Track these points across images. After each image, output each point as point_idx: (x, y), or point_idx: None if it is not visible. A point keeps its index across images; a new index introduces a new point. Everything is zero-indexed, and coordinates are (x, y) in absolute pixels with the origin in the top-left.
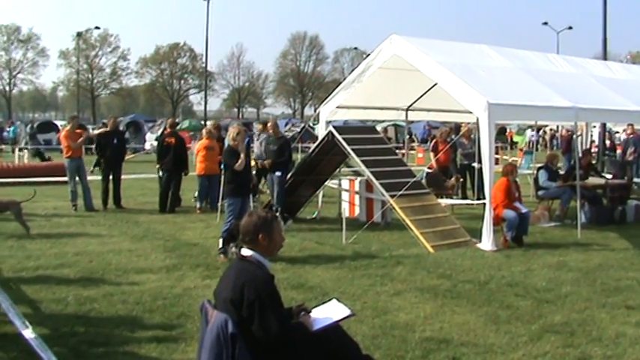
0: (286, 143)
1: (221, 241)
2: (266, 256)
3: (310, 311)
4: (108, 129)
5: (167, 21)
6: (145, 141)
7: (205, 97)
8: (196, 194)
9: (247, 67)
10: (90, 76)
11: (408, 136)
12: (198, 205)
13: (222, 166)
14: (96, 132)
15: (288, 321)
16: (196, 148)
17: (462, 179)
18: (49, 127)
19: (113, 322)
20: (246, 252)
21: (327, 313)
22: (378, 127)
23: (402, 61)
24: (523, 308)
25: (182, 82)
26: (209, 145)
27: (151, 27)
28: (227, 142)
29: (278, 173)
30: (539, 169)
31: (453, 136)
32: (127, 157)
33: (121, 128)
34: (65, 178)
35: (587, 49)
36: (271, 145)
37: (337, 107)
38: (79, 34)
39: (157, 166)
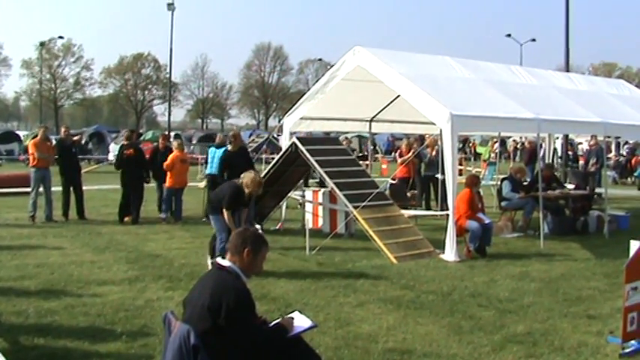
0: (248, 154)
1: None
2: (247, 275)
3: (292, 317)
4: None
5: (131, 31)
6: (108, 152)
7: (169, 107)
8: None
9: (211, 77)
10: (53, 86)
11: (372, 147)
12: (163, 216)
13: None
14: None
15: (266, 328)
16: (167, 162)
17: (421, 192)
18: (10, 137)
19: (74, 335)
20: (224, 262)
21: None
22: (342, 138)
23: (366, 73)
24: (486, 318)
25: (146, 92)
26: (182, 158)
27: (115, 37)
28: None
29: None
30: (502, 180)
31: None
32: (89, 168)
33: (84, 139)
34: (28, 189)
35: (550, 61)
36: (237, 159)
37: (301, 118)
38: (42, 44)
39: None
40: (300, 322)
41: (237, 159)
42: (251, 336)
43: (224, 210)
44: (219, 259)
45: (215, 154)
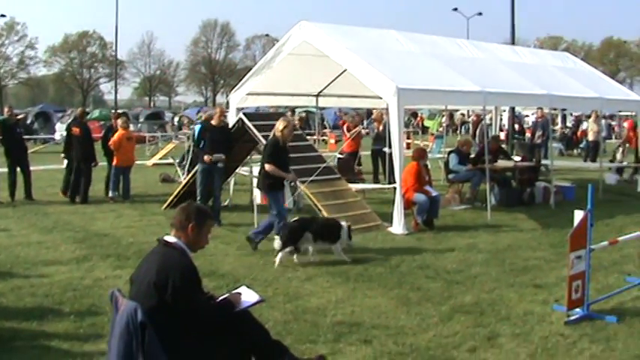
0: (230, 132)
1: (278, 241)
2: (192, 249)
3: (239, 292)
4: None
5: (76, 9)
6: (54, 131)
7: (115, 86)
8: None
9: (158, 55)
10: None
11: (319, 122)
12: (110, 195)
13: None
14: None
15: (213, 303)
16: (113, 139)
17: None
18: None
19: (22, 316)
20: (170, 238)
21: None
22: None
23: (312, 47)
24: (434, 290)
25: (92, 71)
26: (127, 136)
27: (60, 15)
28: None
29: (221, 165)
30: (449, 153)
31: (364, 122)
32: (36, 148)
33: (29, 119)
34: None
35: (496, 35)
36: (216, 134)
37: (247, 94)
38: None
39: (62, 155)
40: (248, 296)
41: (217, 134)
42: (198, 312)
43: (266, 164)
44: (166, 237)
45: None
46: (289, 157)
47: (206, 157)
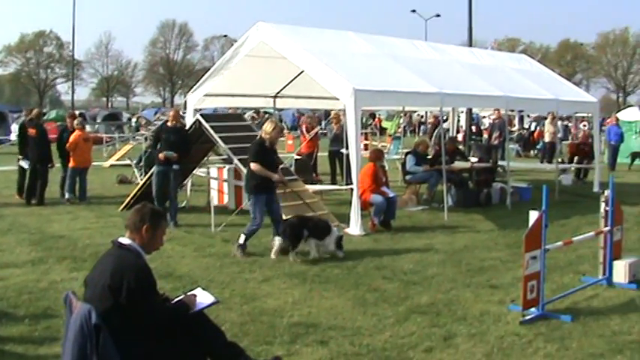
0: (187, 134)
1: (243, 237)
2: (146, 251)
3: (194, 294)
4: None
5: (32, 8)
6: (10, 132)
7: (73, 86)
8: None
9: (116, 55)
10: None
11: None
12: (67, 197)
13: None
14: None
15: (168, 305)
16: (70, 141)
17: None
18: None
19: None
20: (124, 240)
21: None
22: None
23: (270, 49)
24: (390, 290)
25: (49, 71)
26: (84, 137)
27: (16, 14)
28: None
29: (176, 166)
30: (406, 154)
31: (322, 123)
32: None
33: None
34: None
35: (455, 37)
36: (171, 135)
37: (205, 95)
38: None
39: (19, 157)
40: (203, 298)
41: (172, 135)
42: (152, 314)
43: (252, 163)
44: (121, 238)
45: None
46: (277, 159)
47: (160, 155)
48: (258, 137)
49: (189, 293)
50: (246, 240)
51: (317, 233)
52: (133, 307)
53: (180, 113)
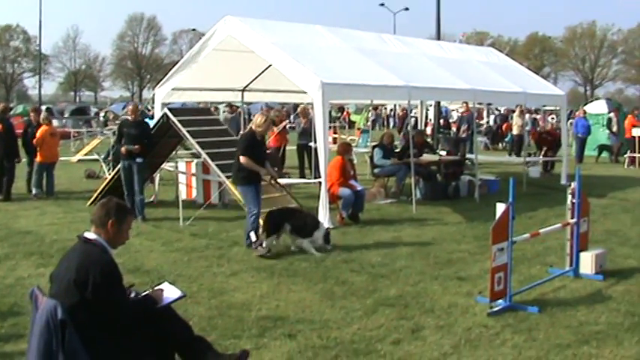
0: (148, 127)
1: (252, 234)
2: (112, 245)
3: (161, 288)
4: None
5: None
6: None
7: (40, 80)
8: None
9: (84, 49)
10: None
11: (247, 117)
12: (34, 192)
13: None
14: None
15: (135, 300)
16: (37, 136)
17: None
18: None
19: None
20: (90, 235)
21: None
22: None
23: (238, 43)
24: (358, 284)
25: (15, 65)
26: (51, 132)
27: None
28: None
29: (139, 159)
30: (374, 147)
31: (291, 117)
32: None
33: None
34: None
35: (423, 30)
36: (132, 129)
37: (173, 89)
38: None
39: None
40: (170, 292)
41: (133, 129)
42: (118, 309)
43: (241, 157)
44: (86, 233)
45: None
46: (265, 152)
47: (122, 149)
48: (248, 130)
49: (155, 288)
50: (256, 234)
51: (306, 228)
52: (99, 302)
53: (139, 107)
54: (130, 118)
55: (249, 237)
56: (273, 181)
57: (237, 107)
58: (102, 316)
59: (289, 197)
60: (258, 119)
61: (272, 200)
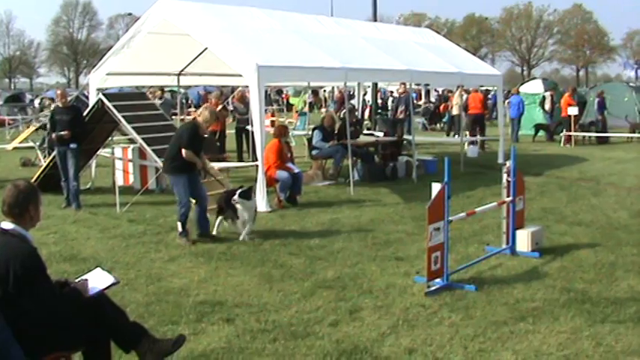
0: (80, 112)
1: (179, 225)
2: (28, 229)
3: (86, 279)
4: None
5: None
6: None
7: None
8: None
9: (18, 35)
10: None
11: (184, 102)
12: None
13: None
14: None
15: (60, 290)
16: None
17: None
18: None
19: None
20: (7, 225)
21: (93, 281)
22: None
23: (173, 26)
24: (296, 266)
25: None
26: None
27: None
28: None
29: (73, 145)
30: (314, 129)
31: (229, 100)
32: None
33: None
34: None
35: (361, 13)
36: (63, 115)
37: (108, 74)
38: None
39: None
40: (102, 279)
41: (64, 115)
42: (44, 301)
43: (184, 150)
44: (3, 223)
45: None
46: (202, 144)
47: (53, 135)
48: (192, 121)
49: (84, 277)
50: (183, 226)
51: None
52: (23, 295)
53: (67, 92)
54: (59, 104)
55: (177, 228)
56: (204, 172)
57: (172, 92)
58: (29, 308)
59: (226, 180)
60: (206, 114)
61: (210, 184)
